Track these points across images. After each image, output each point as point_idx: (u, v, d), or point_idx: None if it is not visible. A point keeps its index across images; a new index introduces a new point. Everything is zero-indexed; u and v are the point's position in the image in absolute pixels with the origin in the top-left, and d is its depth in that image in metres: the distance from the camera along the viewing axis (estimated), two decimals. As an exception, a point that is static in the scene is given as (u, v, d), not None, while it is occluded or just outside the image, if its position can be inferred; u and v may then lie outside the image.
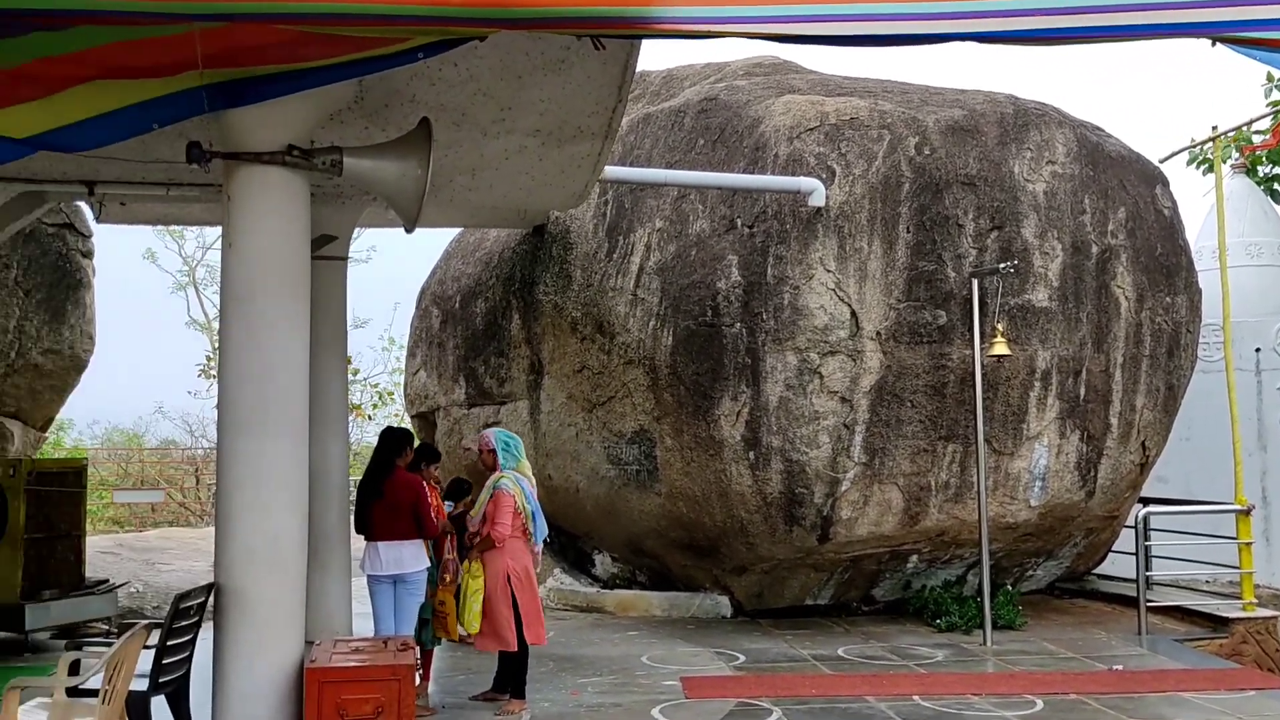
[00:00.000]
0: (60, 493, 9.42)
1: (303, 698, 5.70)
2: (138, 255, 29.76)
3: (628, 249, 10.31)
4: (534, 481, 7.26)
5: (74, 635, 9.41)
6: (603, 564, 11.68)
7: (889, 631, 9.69)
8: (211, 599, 5.89)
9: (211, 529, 16.63)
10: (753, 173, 9.80)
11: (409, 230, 6.58)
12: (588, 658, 8.56)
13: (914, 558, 10.37)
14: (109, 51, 4.44)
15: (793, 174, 9.62)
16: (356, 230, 9.98)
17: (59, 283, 11.51)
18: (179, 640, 5.63)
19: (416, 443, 7.81)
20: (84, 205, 10.91)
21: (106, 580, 9.79)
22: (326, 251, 8.86)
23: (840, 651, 8.77)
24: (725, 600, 10.51)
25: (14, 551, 8.95)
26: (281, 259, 6.06)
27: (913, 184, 9.70)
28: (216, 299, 28.96)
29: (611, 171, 9.40)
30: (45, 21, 4.26)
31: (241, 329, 6.00)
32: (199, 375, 26.31)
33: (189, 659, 5.83)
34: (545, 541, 7.38)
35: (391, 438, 7.23)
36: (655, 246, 10.14)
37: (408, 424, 16.15)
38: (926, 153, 9.81)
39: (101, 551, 12.31)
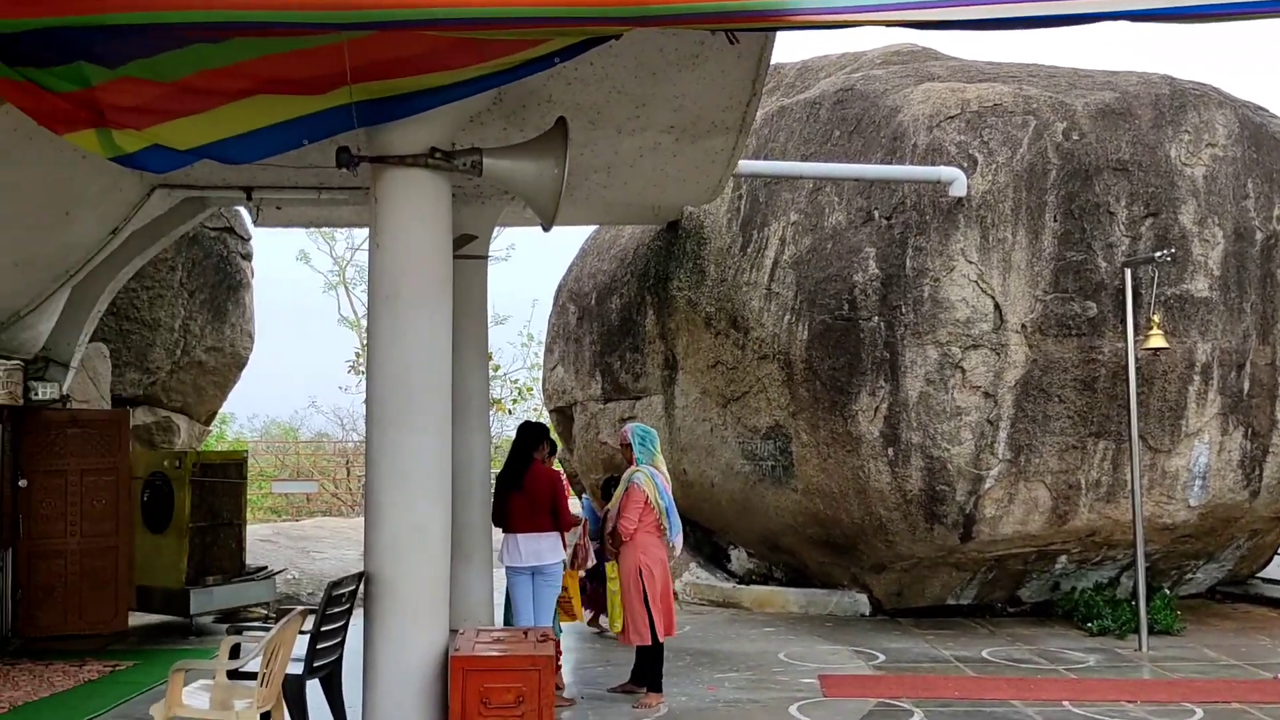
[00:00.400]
0: (223, 483, 9.93)
1: (447, 685, 5.87)
2: (292, 257, 31.05)
3: (762, 243, 10.25)
4: (668, 476, 7.29)
5: (234, 619, 9.92)
6: (738, 559, 11.65)
7: (1036, 634, 9.37)
8: (362, 587, 6.13)
9: (361, 519, 17.25)
10: (890, 163, 9.61)
11: (546, 228, 6.69)
12: (724, 653, 8.56)
13: (1062, 558, 10.01)
14: (264, 64, 4.64)
15: (932, 163, 9.40)
16: (496, 229, 10.21)
17: (220, 283, 12.13)
18: (332, 626, 5.86)
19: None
20: (242, 210, 11.48)
21: (265, 567, 10.29)
22: (467, 250, 9.08)
23: (985, 653, 8.53)
24: (864, 598, 10.35)
25: (180, 539, 9.48)
26: (425, 258, 6.25)
27: (1060, 171, 9.34)
28: (365, 298, 30.05)
29: (746, 165, 9.36)
30: (203, 35, 4.49)
31: (388, 326, 6.21)
32: (349, 371, 27.30)
33: (341, 644, 6.07)
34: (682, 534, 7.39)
35: (529, 431, 7.35)
36: (790, 240, 10.05)
37: (546, 419, 16.44)
38: (1075, 138, 9.43)
39: (260, 539, 12.92)
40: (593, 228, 13.62)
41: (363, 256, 28.72)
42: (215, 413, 13.37)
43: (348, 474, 25.12)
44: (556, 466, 8.13)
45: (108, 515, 9.33)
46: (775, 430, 10.21)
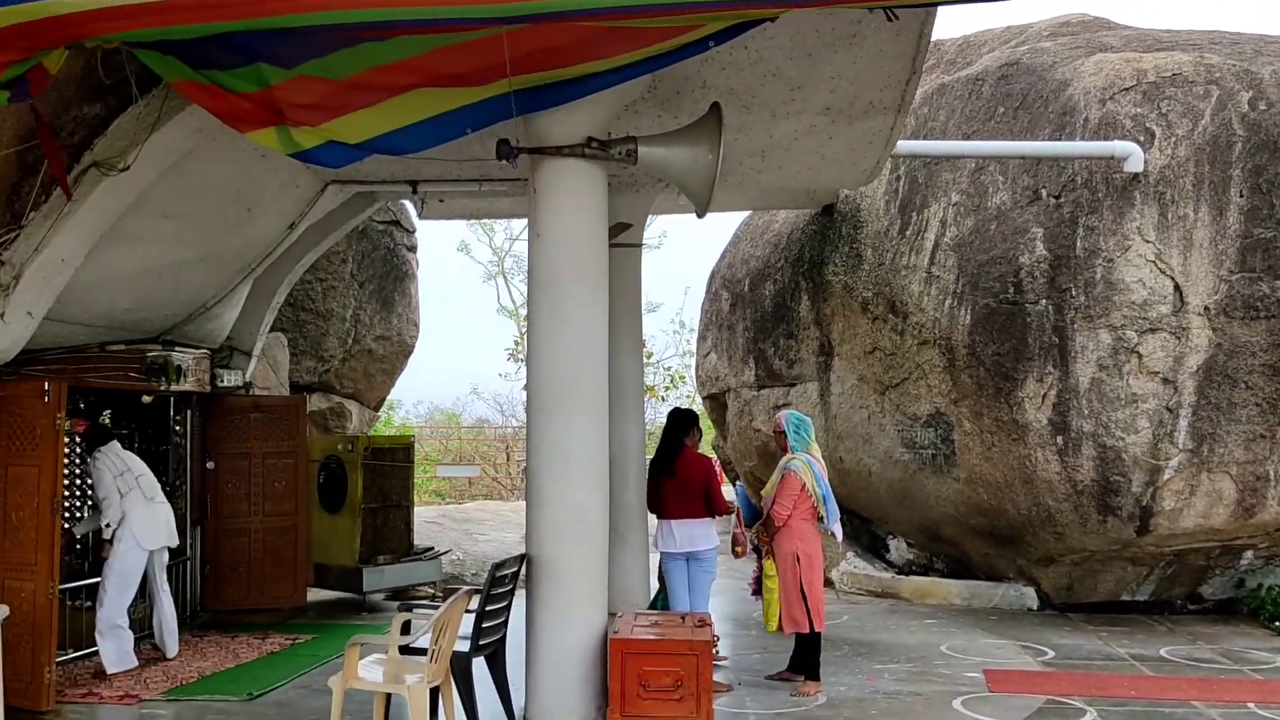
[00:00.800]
0: (392, 467, 10.35)
1: (607, 665, 5.96)
2: (453, 248, 31.97)
3: (921, 225, 9.98)
4: (824, 464, 7.20)
5: (403, 597, 10.33)
6: (897, 549, 11.42)
7: (1219, 633, 8.85)
8: (524, 568, 6.29)
9: (522, 502, 17.70)
10: (1059, 139, 9.21)
11: (700, 215, 6.70)
12: (884, 644, 8.41)
13: (1249, 553, 9.42)
14: (428, 59, 4.80)
15: (1105, 138, 8.96)
16: (649, 217, 10.27)
17: (388, 275, 12.62)
18: (496, 606, 6.03)
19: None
20: (408, 203, 11.90)
21: (432, 548, 10.68)
22: (623, 239, 9.17)
23: (1163, 652, 8.12)
24: (1031, 591, 9.99)
25: (353, 520, 9.93)
26: (582, 247, 6.35)
27: (1246, 143, 8.76)
28: (523, 287, 30.80)
29: (904, 146, 9.13)
30: (372, 33, 4.67)
31: (547, 314, 6.34)
32: (508, 359, 27.99)
33: (505, 623, 6.24)
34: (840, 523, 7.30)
35: (679, 418, 7.36)
36: (951, 221, 9.76)
37: (699, 405, 16.47)
38: (1262, 108, 8.83)
39: (426, 521, 13.42)
40: (746, 213, 13.55)
41: (520, 247, 29.38)
42: (384, 399, 13.93)
43: (507, 459, 25.72)
44: (710, 454, 8.13)
45: (287, 496, 9.84)
46: (936, 417, 9.96)
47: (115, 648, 7.47)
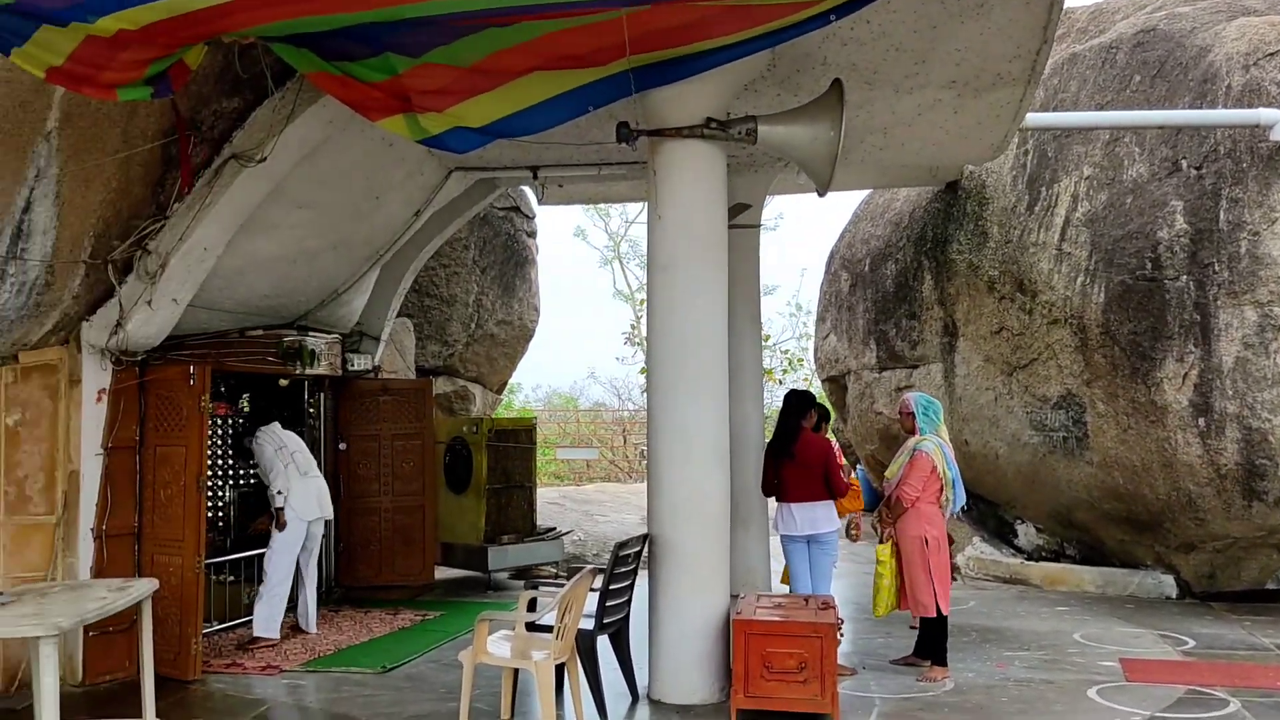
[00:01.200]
0: (515, 448, 10.55)
1: (729, 646, 5.98)
2: (569, 234, 32.35)
3: (1051, 200, 9.66)
4: (951, 447, 7.06)
5: (526, 576, 10.54)
6: (1026, 534, 11.11)
7: (1377, 626, 8.37)
8: (646, 548, 6.34)
9: (640, 485, 17.86)
10: (1199, 108, 8.78)
11: (821, 194, 6.61)
12: (1013, 630, 8.20)
13: None
14: (550, 42, 4.85)
15: (1249, 106, 8.50)
16: (767, 197, 10.19)
17: (508, 260, 12.83)
18: (619, 585, 6.10)
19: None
20: (527, 189, 12.07)
21: (554, 528, 10.86)
22: (741, 220, 9.14)
23: (1313, 645, 7.72)
24: (1169, 579, 9.60)
25: (478, 500, 10.16)
26: (701, 228, 6.35)
27: None
28: (639, 271, 31.02)
29: (1034, 119, 8.85)
30: (499, 20, 4.74)
31: (666, 296, 6.36)
32: (624, 343, 28.19)
33: (628, 602, 6.30)
34: (963, 510, 7.14)
35: (797, 400, 7.27)
36: (1083, 196, 9.41)
37: (817, 388, 16.30)
38: None
39: (548, 502, 13.63)
40: (866, 192, 13.32)
41: (636, 231, 29.53)
42: (506, 382, 14.19)
43: (624, 441, 25.95)
44: (829, 436, 8.02)
45: (415, 476, 10.11)
46: (1067, 399, 9.64)
47: (267, 613, 7.85)
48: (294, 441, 8.37)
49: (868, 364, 12.52)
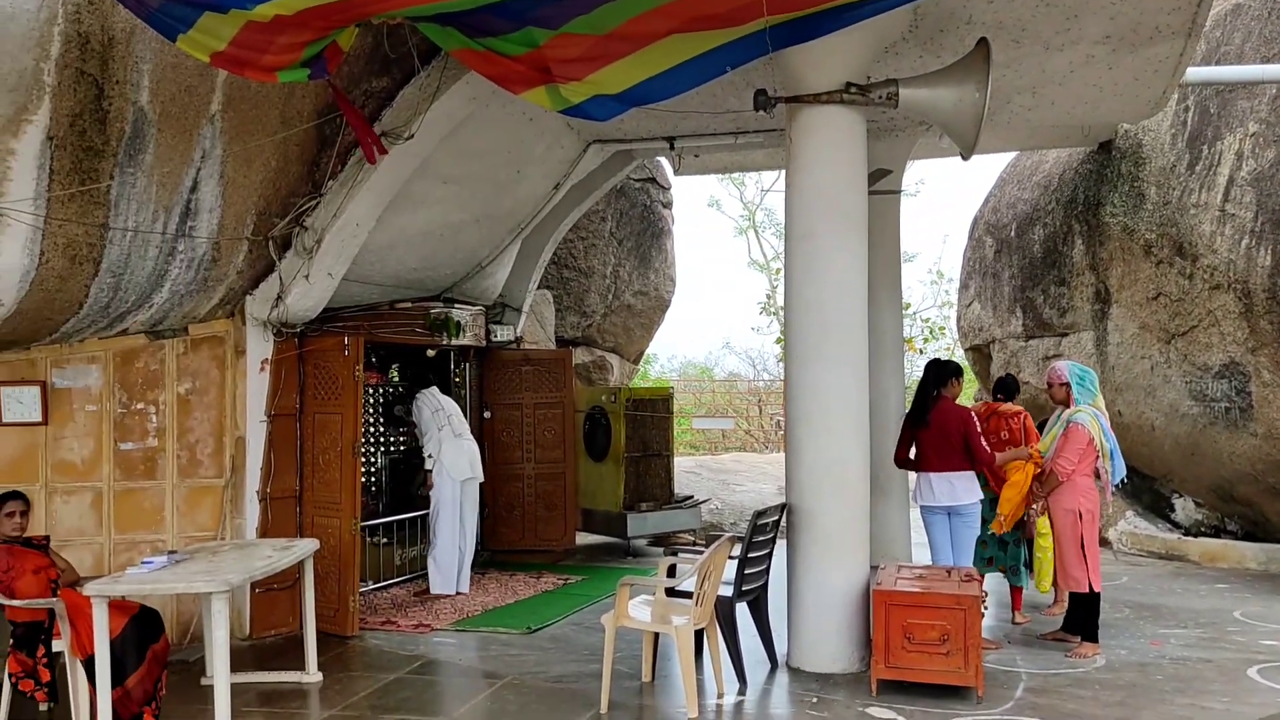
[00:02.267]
0: (652, 417, 10.67)
1: (869, 616, 5.94)
2: (703, 204, 32.28)
3: (1213, 159, 9.15)
4: (1107, 416, 6.81)
5: (664, 544, 10.68)
6: (1184, 509, 10.65)
7: None
8: (784, 517, 6.35)
9: (776, 455, 17.79)
10: (1382, 54, 8.17)
11: (966, 158, 6.43)
12: (1169, 607, 7.90)
13: None
14: (687, 4, 4.83)
15: None
16: (908, 162, 9.97)
17: (645, 231, 12.91)
18: (758, 554, 6.13)
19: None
20: (664, 160, 12.12)
21: (691, 497, 10.97)
22: (881, 186, 8.97)
23: None
24: (1341, 559, 9.08)
25: (617, 467, 10.34)
26: (840, 195, 6.26)
27: None
28: (775, 241, 30.68)
29: (1194, 73, 8.40)
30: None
31: (804, 264, 6.32)
32: (760, 313, 28.03)
33: (766, 571, 6.34)
34: (1121, 482, 6.89)
35: (938, 368, 7.09)
36: (1249, 154, 8.89)
37: (959, 357, 15.90)
38: None
39: (684, 471, 13.73)
40: (1012, 155, 12.87)
41: (771, 200, 29.25)
42: (642, 352, 14.33)
43: (759, 412, 25.83)
44: (1017, 406, 7.78)
45: (556, 444, 10.35)
46: (1230, 368, 9.17)
47: (439, 572, 8.43)
48: (450, 405, 8.75)
49: (1013, 332, 12.16)
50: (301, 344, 7.45)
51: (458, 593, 8.47)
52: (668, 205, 13.30)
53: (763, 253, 31.12)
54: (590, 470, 10.64)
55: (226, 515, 7.21)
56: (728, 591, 5.94)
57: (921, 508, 6.98)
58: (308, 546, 6.13)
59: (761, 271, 30.88)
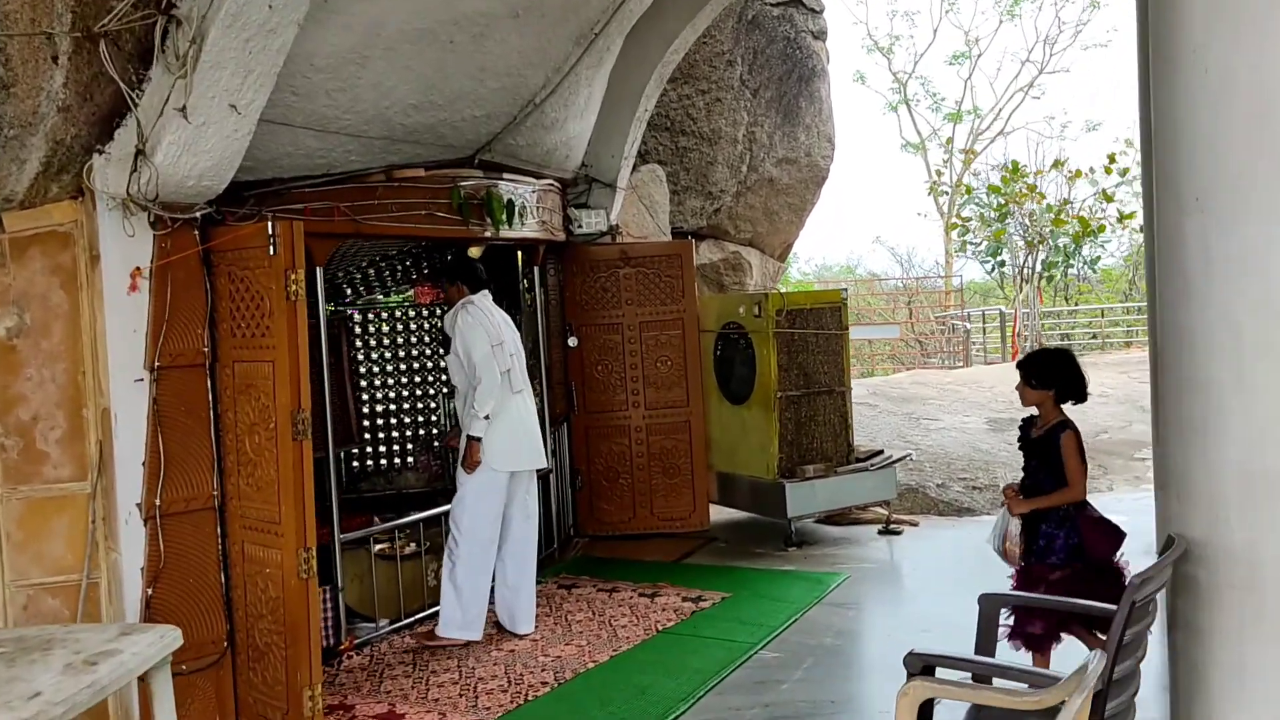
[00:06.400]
0: (816, 337, 7.17)
1: None
2: (846, 80, 28.55)
3: None
4: None
5: (841, 523, 7.33)
6: None
7: None
8: (1167, 571, 2.85)
9: (962, 371, 14.01)
10: None
11: None
12: None
13: None
14: None
15: None
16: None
17: (789, 75, 9.30)
18: (1127, 659, 2.67)
19: None
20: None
21: (880, 452, 7.43)
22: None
23: None
24: None
25: (767, 414, 6.91)
26: None
27: None
28: (930, 116, 26.63)
29: None
30: None
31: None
32: (927, 193, 24.62)
33: (1138, 678, 2.87)
34: None
35: None
36: None
37: None
38: None
39: (856, 403, 10.17)
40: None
41: (924, 68, 25.48)
42: (791, 245, 10.76)
43: (910, 314, 22.52)
44: None
45: (675, 381, 7.07)
46: None
47: (455, 602, 5.11)
48: (512, 337, 5.39)
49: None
50: (205, 239, 4.22)
51: (510, 634, 5.32)
52: (819, 36, 9.58)
53: (916, 130, 27.24)
54: (726, 417, 7.25)
55: (98, 545, 4.12)
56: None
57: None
58: (147, 647, 2.94)
59: (916, 153, 26.91)
